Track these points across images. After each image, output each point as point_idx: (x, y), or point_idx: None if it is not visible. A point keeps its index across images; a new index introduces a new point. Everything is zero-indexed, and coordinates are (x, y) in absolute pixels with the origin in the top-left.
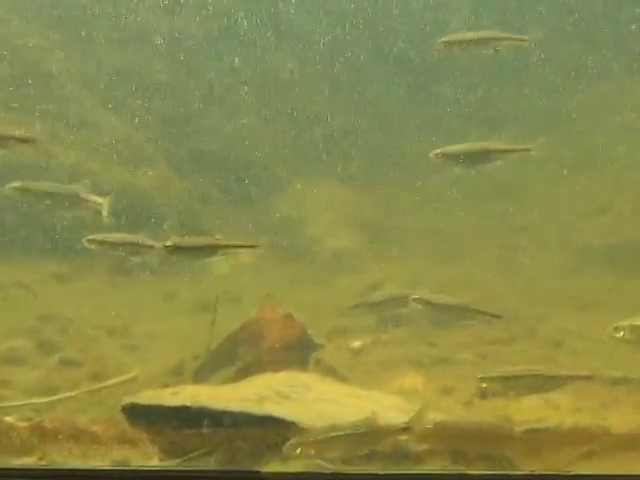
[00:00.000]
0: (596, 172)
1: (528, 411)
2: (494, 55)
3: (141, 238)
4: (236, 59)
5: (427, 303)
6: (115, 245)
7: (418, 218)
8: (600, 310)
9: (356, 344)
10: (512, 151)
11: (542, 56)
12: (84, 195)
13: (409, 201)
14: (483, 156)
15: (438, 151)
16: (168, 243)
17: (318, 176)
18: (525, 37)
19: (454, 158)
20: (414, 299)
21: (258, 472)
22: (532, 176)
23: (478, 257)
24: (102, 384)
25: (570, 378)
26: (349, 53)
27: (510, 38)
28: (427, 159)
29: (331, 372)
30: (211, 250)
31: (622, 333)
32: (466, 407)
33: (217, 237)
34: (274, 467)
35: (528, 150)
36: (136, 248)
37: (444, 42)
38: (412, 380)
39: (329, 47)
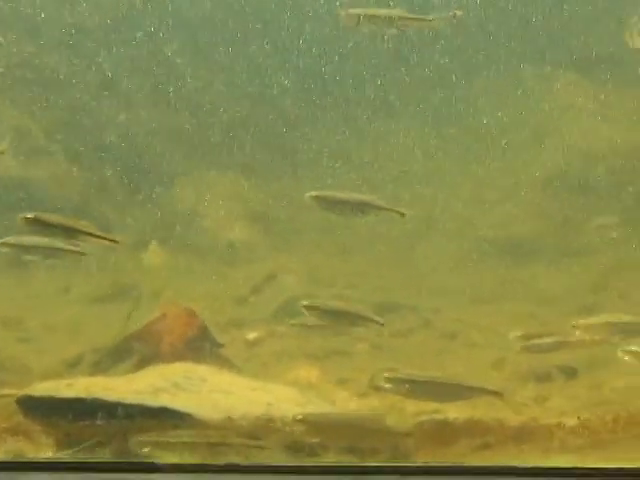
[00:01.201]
0: (494, 163)
1: (423, 403)
2: (394, 43)
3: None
4: (132, 49)
5: (317, 309)
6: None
7: (313, 210)
8: (495, 302)
9: (251, 336)
10: (388, 210)
11: (443, 44)
12: None
13: (305, 193)
14: (359, 208)
15: (315, 194)
16: (28, 215)
17: (215, 167)
18: (429, 17)
19: (328, 203)
20: (304, 306)
21: (153, 463)
22: (430, 168)
23: (373, 249)
24: None
25: (479, 391)
26: (245, 41)
27: (416, 19)
28: (326, 149)
29: (226, 364)
30: (72, 233)
31: (578, 332)
32: (361, 399)
33: (82, 223)
34: (169, 459)
35: (402, 215)
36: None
37: (349, 14)
38: (307, 372)
39: (225, 36)
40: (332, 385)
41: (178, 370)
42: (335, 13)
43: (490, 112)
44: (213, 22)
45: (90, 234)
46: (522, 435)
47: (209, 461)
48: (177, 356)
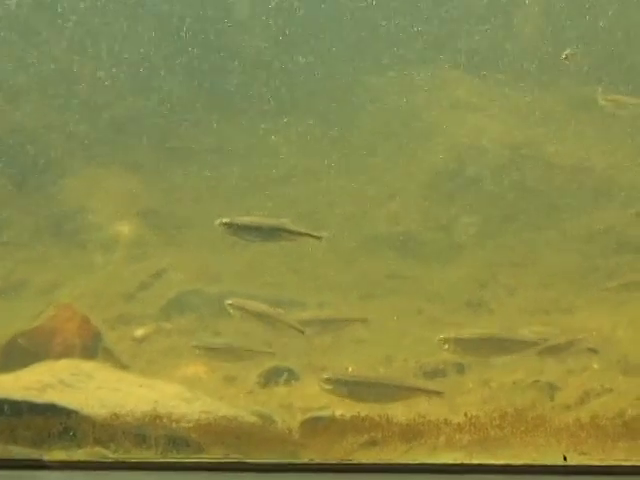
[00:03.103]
0: (381, 160)
1: (310, 399)
2: (281, 40)
3: None
4: (19, 46)
5: (242, 309)
6: None
7: (203, 207)
8: (383, 297)
9: (139, 332)
10: (304, 235)
11: (333, 40)
12: None
13: (195, 190)
14: (272, 233)
15: (225, 220)
16: None
17: (103, 164)
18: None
19: (241, 229)
20: (228, 304)
21: (40, 460)
22: (319, 165)
23: (263, 245)
24: None
25: (409, 390)
26: (133, 36)
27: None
28: (214, 146)
29: (113, 360)
30: None
31: (447, 346)
32: (248, 396)
33: None
34: (56, 455)
35: (319, 238)
36: None
37: None
38: (195, 369)
39: (110, 30)
40: (220, 382)
41: (65, 367)
42: (226, 9)
43: (378, 110)
44: (99, 16)
45: None
46: (409, 432)
47: (95, 458)
48: (64, 353)
